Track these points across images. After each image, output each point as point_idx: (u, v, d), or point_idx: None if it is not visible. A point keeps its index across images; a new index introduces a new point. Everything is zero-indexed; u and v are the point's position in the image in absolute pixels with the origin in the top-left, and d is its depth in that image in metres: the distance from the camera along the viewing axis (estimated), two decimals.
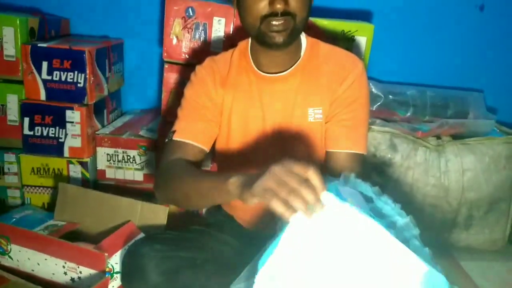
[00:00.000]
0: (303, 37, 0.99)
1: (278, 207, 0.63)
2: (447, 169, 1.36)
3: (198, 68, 1.03)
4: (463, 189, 1.36)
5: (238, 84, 0.99)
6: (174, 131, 0.98)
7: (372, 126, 1.35)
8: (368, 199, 0.77)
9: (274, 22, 0.87)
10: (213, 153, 1.08)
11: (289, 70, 0.97)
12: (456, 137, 1.40)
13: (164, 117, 1.37)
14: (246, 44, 1.02)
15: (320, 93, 0.97)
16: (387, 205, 0.76)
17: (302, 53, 0.98)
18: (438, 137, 1.40)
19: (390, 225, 0.72)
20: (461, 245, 1.39)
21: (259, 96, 0.98)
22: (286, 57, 0.96)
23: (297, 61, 0.97)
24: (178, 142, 0.96)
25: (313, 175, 0.65)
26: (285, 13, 0.86)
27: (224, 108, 1.00)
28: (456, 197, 1.36)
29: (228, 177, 0.75)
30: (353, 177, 0.80)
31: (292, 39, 0.92)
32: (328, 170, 0.97)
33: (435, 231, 1.36)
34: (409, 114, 1.45)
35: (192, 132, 0.97)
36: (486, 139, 1.38)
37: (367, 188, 0.79)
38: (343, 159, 0.96)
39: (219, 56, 1.04)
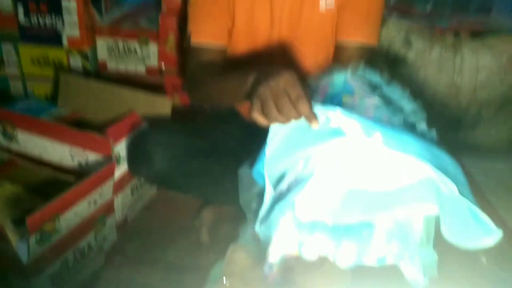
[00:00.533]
0: None
1: (273, 117, 0.61)
2: (461, 68, 1.31)
3: None
4: (476, 89, 1.32)
5: None
6: (190, 34, 0.95)
7: (388, 20, 1.28)
8: (377, 87, 0.75)
9: None
10: None
11: None
12: (476, 34, 1.33)
13: (165, 7, 1.29)
14: None
15: None
16: (395, 91, 0.75)
17: None
18: (457, 34, 1.33)
19: (398, 110, 0.71)
20: (467, 144, 1.39)
21: None
22: None
23: None
24: (197, 45, 0.94)
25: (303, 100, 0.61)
26: None
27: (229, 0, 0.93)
28: (467, 96, 1.33)
29: (245, 81, 0.71)
30: (362, 67, 0.77)
31: None
32: (337, 61, 0.93)
33: (442, 130, 1.35)
34: (428, 9, 1.36)
35: (208, 32, 0.94)
36: (506, 36, 1.31)
37: (375, 77, 0.76)
38: (353, 50, 0.92)
39: None
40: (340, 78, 0.74)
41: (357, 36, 0.91)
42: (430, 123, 0.77)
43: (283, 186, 0.65)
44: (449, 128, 1.36)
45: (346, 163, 0.61)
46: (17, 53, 1.37)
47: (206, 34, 0.94)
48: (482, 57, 1.30)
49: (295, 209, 0.60)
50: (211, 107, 1.11)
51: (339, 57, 0.93)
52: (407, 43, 1.31)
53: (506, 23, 1.35)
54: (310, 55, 0.95)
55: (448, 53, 1.31)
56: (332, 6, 0.91)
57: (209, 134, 1.00)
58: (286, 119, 0.61)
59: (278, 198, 0.65)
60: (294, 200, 0.59)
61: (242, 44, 0.97)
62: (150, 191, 1.14)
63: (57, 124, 1.03)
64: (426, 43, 1.30)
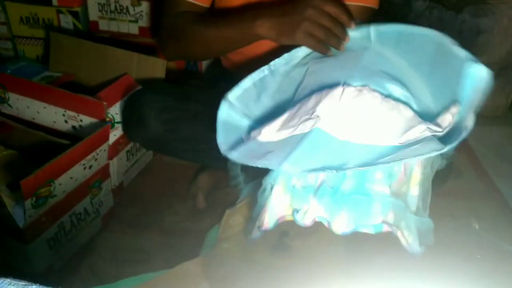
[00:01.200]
0: None
1: (319, 48, 0.71)
2: (461, 30, 1.28)
3: None
4: (474, 52, 1.30)
5: None
6: None
7: None
8: None
9: None
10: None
11: None
12: None
13: None
14: None
15: None
16: None
17: None
18: None
19: None
20: None
21: None
22: None
23: None
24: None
25: (342, 12, 0.71)
26: None
27: None
28: None
29: (253, 20, 0.75)
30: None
31: None
32: None
33: None
34: None
35: None
36: None
37: None
38: (353, 12, 0.89)
39: None
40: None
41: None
42: None
43: (272, 146, 0.64)
44: None
45: (343, 116, 0.60)
46: (5, 11, 1.32)
47: None
48: (483, 20, 1.28)
49: (289, 175, 0.59)
50: (189, 58, 1.08)
51: None
52: (407, 4, 1.28)
53: None
54: None
55: (449, 16, 1.28)
56: None
57: (204, 98, 0.98)
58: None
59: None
60: (288, 166, 0.56)
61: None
62: (146, 156, 1.13)
63: (50, 87, 1.01)
64: (426, 4, 1.27)
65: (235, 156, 0.60)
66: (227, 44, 0.84)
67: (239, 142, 0.64)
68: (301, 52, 0.75)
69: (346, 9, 0.72)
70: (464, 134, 0.56)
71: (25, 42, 1.35)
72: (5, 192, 0.73)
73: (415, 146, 0.54)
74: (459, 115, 0.58)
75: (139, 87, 1.02)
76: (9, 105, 1.02)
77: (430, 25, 1.24)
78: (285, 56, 0.74)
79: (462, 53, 0.62)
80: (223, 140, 0.64)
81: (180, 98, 0.93)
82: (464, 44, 1.26)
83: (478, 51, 1.28)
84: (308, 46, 0.72)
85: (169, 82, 1.17)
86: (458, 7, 1.27)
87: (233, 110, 0.68)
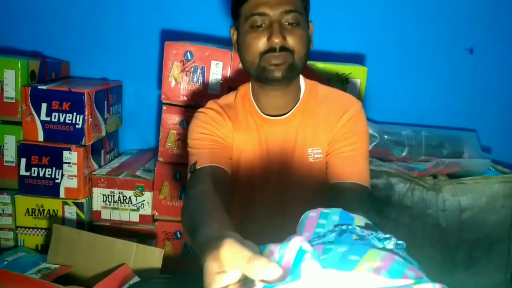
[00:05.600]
0: (302, 80, 1.02)
1: None
2: (444, 209, 1.36)
3: (205, 109, 1.01)
4: (462, 229, 1.35)
5: (245, 125, 1.00)
6: (195, 163, 0.94)
7: (369, 165, 1.36)
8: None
9: (273, 57, 0.89)
10: None
11: (289, 113, 0.98)
12: (452, 176, 1.41)
13: (161, 157, 1.37)
14: (247, 88, 1.03)
15: (318, 134, 0.98)
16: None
17: (301, 96, 1.00)
18: (434, 176, 1.40)
19: None
20: (461, 285, 1.37)
21: (264, 137, 0.99)
22: (286, 99, 0.98)
23: (297, 103, 0.99)
24: (202, 169, 0.92)
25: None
26: (283, 49, 0.89)
27: (235, 147, 1.00)
28: (455, 237, 1.35)
29: (205, 249, 0.70)
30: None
31: (291, 74, 0.92)
32: (333, 204, 0.95)
33: (434, 273, 1.34)
34: (404, 153, 1.45)
35: (213, 157, 0.93)
36: (482, 178, 1.39)
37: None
38: (348, 189, 0.92)
39: (221, 100, 1.04)
40: (336, 212, 0.75)
41: (350, 177, 0.92)
42: (423, 266, 0.76)
43: None
44: (443, 271, 1.35)
45: None
46: (13, 204, 1.39)
47: (212, 160, 0.93)
48: (463, 198, 1.36)
49: None
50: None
51: (335, 198, 0.92)
52: (390, 186, 1.38)
53: (478, 166, 1.44)
54: (300, 201, 0.99)
55: (430, 195, 1.36)
56: (320, 159, 0.98)
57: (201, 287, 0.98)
58: None
59: None
60: None
61: (243, 184, 1.00)
62: None
63: (44, 282, 1.01)
64: (407, 186, 1.37)
65: None
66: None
67: None
68: None
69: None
70: None
71: (26, 232, 1.39)
72: None
73: None
74: None
75: (136, 278, 1.03)
76: None
77: (413, 204, 1.34)
78: None
79: None
80: None
81: None
82: (451, 222, 1.33)
83: (465, 228, 1.34)
84: None
85: (166, 270, 1.18)
86: (438, 188, 1.37)
87: None
